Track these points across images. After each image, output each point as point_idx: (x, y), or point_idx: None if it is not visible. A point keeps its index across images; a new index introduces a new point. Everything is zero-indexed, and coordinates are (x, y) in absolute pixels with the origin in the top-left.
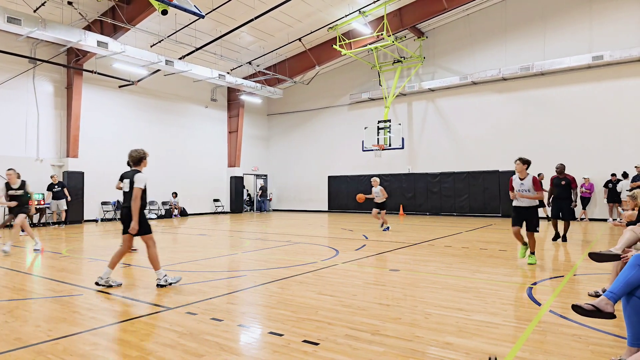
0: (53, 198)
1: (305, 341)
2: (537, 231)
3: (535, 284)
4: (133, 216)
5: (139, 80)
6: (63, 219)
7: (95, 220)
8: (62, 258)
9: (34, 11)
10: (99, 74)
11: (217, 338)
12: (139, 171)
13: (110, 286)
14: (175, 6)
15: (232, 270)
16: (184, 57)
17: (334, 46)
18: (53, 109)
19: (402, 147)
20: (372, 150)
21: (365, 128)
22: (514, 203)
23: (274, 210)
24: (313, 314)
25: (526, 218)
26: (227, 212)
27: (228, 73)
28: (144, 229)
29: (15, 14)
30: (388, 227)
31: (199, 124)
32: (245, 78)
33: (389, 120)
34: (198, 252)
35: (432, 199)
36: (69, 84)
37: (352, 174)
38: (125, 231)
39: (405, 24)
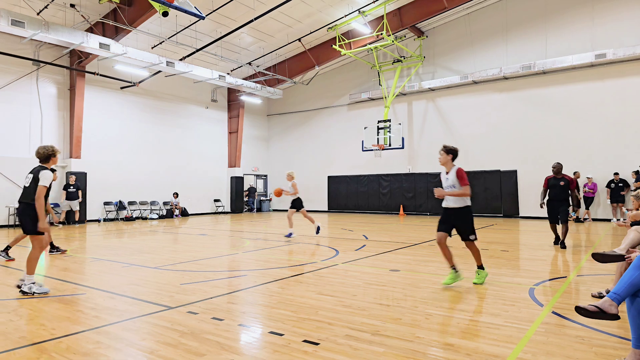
0: (67, 198)
1: (305, 341)
2: (471, 239)
3: (537, 284)
4: (38, 212)
5: (140, 82)
6: (76, 219)
7: (98, 220)
8: (65, 257)
9: (37, 14)
10: (101, 75)
11: (218, 337)
12: (45, 168)
13: (34, 293)
14: (176, 8)
15: (232, 270)
16: (184, 58)
17: (334, 46)
18: (56, 110)
19: (402, 147)
20: (372, 150)
21: (365, 128)
22: (443, 203)
23: (274, 210)
24: (313, 314)
25: (457, 223)
26: (227, 212)
27: (228, 74)
28: (35, 228)
29: (19, 16)
30: (290, 234)
31: (199, 124)
32: (245, 79)
33: (389, 120)
34: (199, 252)
35: (433, 199)
36: (71, 85)
37: (352, 174)
38: (25, 230)
39: (405, 23)
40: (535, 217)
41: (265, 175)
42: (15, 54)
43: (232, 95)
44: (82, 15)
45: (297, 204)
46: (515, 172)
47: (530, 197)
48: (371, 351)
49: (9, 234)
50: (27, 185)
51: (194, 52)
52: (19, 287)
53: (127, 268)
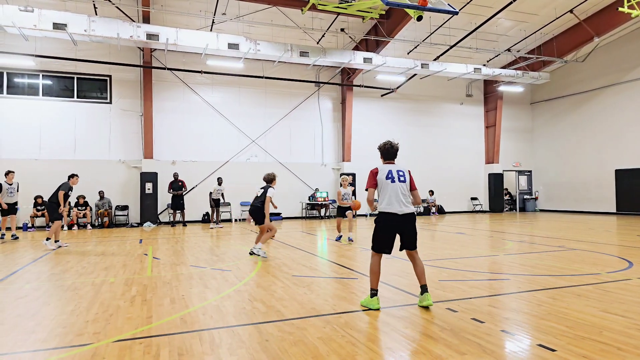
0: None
1: None
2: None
3: None
4: (265, 213)
5: (397, 87)
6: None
7: (365, 215)
8: (342, 246)
9: (317, 43)
10: (365, 87)
11: (479, 340)
12: (272, 187)
13: (258, 255)
14: (430, 9)
15: (493, 272)
16: (438, 57)
17: (620, 9)
18: (332, 122)
19: None
20: None
21: None
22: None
23: (541, 210)
24: (596, 334)
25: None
26: (485, 211)
27: (484, 65)
28: (264, 221)
29: (305, 48)
30: (343, 237)
31: (454, 121)
32: (503, 67)
33: None
34: (456, 250)
35: None
36: (342, 99)
37: None
38: (257, 222)
39: None
40: None
41: (530, 171)
42: (303, 79)
43: (489, 87)
44: (349, 36)
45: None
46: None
47: None
48: None
49: (305, 223)
50: (259, 195)
51: (447, 50)
52: (251, 252)
53: (390, 260)
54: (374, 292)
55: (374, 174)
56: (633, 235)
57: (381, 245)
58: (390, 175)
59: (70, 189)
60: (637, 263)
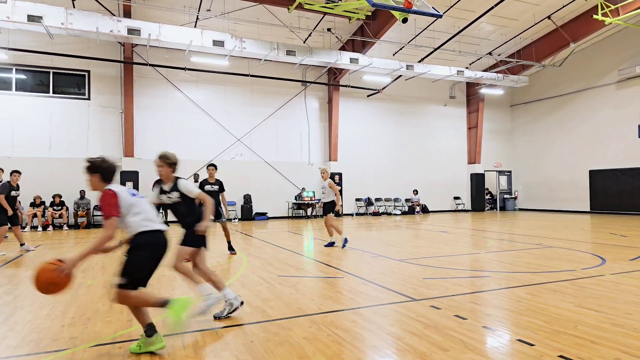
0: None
1: (561, 357)
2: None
3: None
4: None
5: (383, 88)
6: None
7: (351, 215)
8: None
9: (304, 42)
10: (351, 87)
11: (462, 336)
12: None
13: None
14: (415, 12)
15: (474, 269)
16: (422, 59)
17: (595, 16)
18: (318, 121)
19: None
20: None
21: None
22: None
23: (520, 209)
24: (571, 328)
25: None
26: (467, 210)
27: (467, 68)
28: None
29: (291, 47)
30: (341, 242)
31: (438, 122)
32: (485, 70)
33: None
34: (440, 249)
35: None
36: (329, 99)
37: (625, 167)
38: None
39: None
40: None
41: (509, 172)
42: (289, 78)
43: (471, 89)
44: (336, 36)
45: (331, 208)
46: None
47: None
48: None
49: (291, 223)
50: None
51: (432, 52)
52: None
53: (376, 258)
54: (150, 328)
55: (114, 197)
56: (605, 233)
57: (148, 276)
58: (133, 192)
59: (12, 188)
60: (609, 260)
